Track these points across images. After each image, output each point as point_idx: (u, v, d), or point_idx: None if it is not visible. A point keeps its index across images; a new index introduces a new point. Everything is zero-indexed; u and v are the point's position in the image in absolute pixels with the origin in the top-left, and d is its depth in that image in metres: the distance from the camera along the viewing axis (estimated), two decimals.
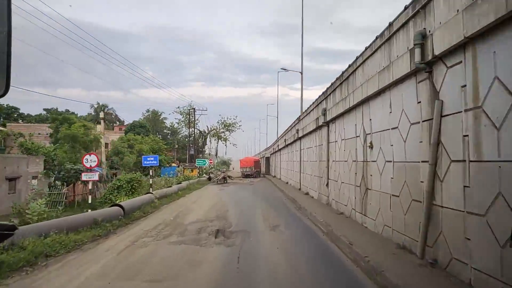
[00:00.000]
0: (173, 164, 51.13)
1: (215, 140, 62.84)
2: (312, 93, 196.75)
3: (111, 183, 20.36)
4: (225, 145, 63.43)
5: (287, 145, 33.69)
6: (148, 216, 14.38)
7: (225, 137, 62.87)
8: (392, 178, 8.36)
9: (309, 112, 20.08)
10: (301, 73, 29.75)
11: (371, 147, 9.87)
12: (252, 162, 56.49)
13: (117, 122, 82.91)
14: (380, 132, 9.23)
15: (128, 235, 10.68)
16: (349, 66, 11.97)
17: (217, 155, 64.86)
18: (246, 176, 55.29)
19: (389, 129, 8.64)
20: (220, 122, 62.25)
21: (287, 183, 33.42)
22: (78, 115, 70.14)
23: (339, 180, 13.68)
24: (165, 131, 77.55)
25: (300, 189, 24.44)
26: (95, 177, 13.27)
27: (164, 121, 73.51)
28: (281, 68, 36.62)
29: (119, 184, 19.01)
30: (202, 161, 44.18)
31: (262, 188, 32.09)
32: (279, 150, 42.36)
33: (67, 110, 74.74)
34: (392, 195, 8.33)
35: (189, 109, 53.81)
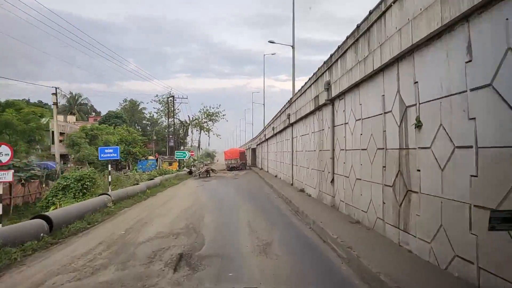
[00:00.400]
0: (151, 157, 47.00)
1: (197, 131, 58.77)
2: (297, 84, 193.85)
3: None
4: (208, 136, 59.51)
5: (275, 134, 30.07)
6: (91, 229, 10.51)
7: (208, 127, 58.85)
8: (474, 176, 4.76)
9: (305, 91, 16.41)
10: (293, 47, 26.05)
11: (419, 126, 6.25)
12: (237, 154, 52.79)
13: (93, 113, 77.96)
14: (440, 99, 5.61)
15: (39, 269, 6.85)
16: (370, 13, 8.30)
17: (200, 147, 60.87)
18: (231, 169, 51.72)
19: (461, 93, 5.04)
20: (202, 111, 58.18)
21: (276, 176, 29.87)
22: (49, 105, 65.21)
23: (351, 175, 10.08)
24: (144, 122, 73.08)
25: (292, 184, 20.89)
26: (8, 177, 9.37)
27: (143, 111, 68.89)
28: (269, 41, 31.39)
29: (65, 183, 14.95)
30: (181, 154, 40.19)
31: (248, 183, 28.43)
32: (266, 140, 38.74)
33: (40, 101, 69.47)
34: (474, 205, 4.75)
35: (168, 98, 49.56)
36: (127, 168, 36.87)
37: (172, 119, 49.25)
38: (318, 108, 13.87)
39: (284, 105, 23.46)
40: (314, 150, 15.14)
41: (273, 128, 30.17)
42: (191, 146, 60.42)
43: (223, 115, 58.82)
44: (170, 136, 48.88)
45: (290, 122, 20.91)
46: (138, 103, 72.52)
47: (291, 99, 21.29)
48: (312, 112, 15.22)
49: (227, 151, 54.39)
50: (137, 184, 19.52)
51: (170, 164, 45.77)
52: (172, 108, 49.21)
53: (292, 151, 21.15)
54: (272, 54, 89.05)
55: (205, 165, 44.65)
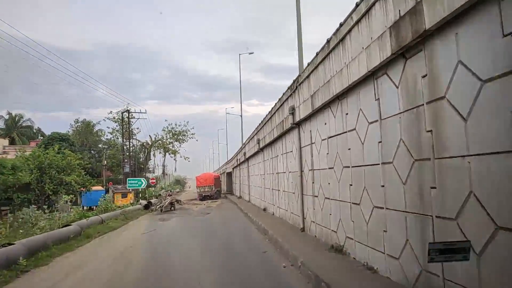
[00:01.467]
0: (99, 188, 37.01)
1: (160, 153, 49.19)
2: (267, 109, 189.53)
3: None
4: (175, 159, 49.99)
5: (262, 149, 21.35)
6: None
7: (173, 149, 49.41)
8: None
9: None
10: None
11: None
12: (211, 180, 43.37)
13: (42, 138, 66.68)
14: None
15: None
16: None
17: (165, 173, 51.17)
18: (203, 198, 42.27)
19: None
20: (166, 130, 48.82)
21: (264, 210, 20.93)
22: None
23: None
24: (101, 146, 62.63)
25: (303, 229, 11.97)
26: None
27: (100, 134, 58.60)
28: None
29: None
30: (135, 182, 30.65)
31: (225, 223, 19.32)
32: (247, 159, 29.96)
33: None
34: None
35: (122, 113, 40.12)
36: (59, 204, 26.87)
37: (128, 139, 39.69)
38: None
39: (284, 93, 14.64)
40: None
41: (258, 140, 21.46)
42: (153, 172, 50.66)
43: (192, 134, 49.72)
44: (125, 160, 39.16)
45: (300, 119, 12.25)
46: (93, 125, 62.24)
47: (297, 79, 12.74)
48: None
49: (199, 176, 45.06)
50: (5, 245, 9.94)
51: (124, 195, 35.85)
52: (128, 126, 39.72)
53: (301, 165, 12.31)
54: (250, 53, 79.47)
55: (169, 195, 34.97)
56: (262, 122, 20.73)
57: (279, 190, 16.70)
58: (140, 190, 35.69)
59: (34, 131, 64.40)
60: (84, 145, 58.63)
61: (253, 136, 24.80)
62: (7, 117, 60.11)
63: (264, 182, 21.40)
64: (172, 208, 30.07)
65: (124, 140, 40.07)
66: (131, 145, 48.46)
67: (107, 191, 37.94)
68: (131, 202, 31.79)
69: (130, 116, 39.97)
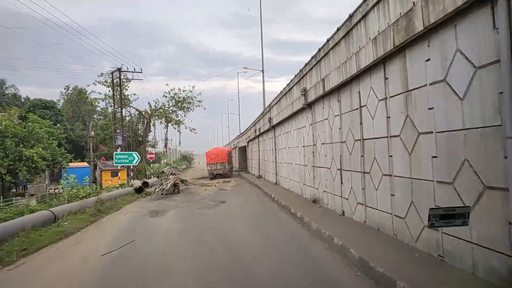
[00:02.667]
0: (82, 165, 29.85)
1: (161, 123, 41.46)
2: (276, 85, 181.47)
3: None
4: (179, 131, 42.32)
5: (312, 103, 13.50)
6: None
7: (177, 119, 41.68)
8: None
9: None
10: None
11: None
12: (224, 155, 36.40)
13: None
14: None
15: None
16: None
17: (167, 147, 43.90)
18: (214, 176, 35.28)
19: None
20: (168, 96, 40.94)
21: (314, 201, 13.38)
22: None
23: None
24: (95, 116, 55.20)
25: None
26: None
27: (95, 103, 50.97)
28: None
29: None
30: (124, 157, 23.15)
31: (258, 225, 11.67)
32: (273, 127, 22.24)
33: None
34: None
35: (112, 72, 32.28)
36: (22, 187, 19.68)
37: (120, 104, 31.96)
38: None
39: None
40: None
41: (305, 90, 13.58)
42: (154, 145, 43.18)
43: (199, 102, 41.78)
44: (117, 131, 31.65)
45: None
46: (86, 93, 54.52)
47: None
48: None
49: (209, 152, 37.89)
50: None
51: (115, 174, 28.54)
52: (119, 87, 31.95)
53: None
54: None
55: (172, 173, 27.61)
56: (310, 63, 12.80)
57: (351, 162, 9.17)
58: (133, 167, 28.35)
59: (23, 100, 56.73)
60: (76, 116, 51.04)
61: (289, 90, 16.94)
62: None
63: (311, 158, 13.74)
64: (176, 190, 22.98)
65: (116, 106, 32.41)
66: (127, 114, 40.96)
67: (95, 168, 30.71)
68: (120, 183, 24.47)
69: (123, 77, 32.17)
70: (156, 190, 22.15)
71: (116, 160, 22.63)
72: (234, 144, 59.64)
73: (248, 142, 39.48)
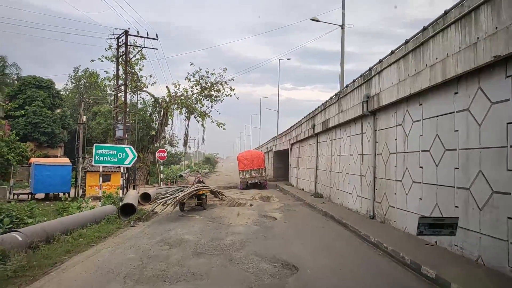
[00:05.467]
0: (62, 161, 21.07)
1: (180, 114, 32.15)
2: (302, 94, 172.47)
3: None
4: (203, 125, 32.97)
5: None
6: None
7: (202, 111, 32.38)
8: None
9: None
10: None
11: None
12: (261, 160, 28.48)
13: None
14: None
15: None
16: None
17: (187, 144, 34.78)
18: (248, 186, 26.79)
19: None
20: (193, 79, 31.71)
21: None
22: None
23: None
24: (107, 105, 46.79)
25: None
26: None
27: (102, 86, 42.68)
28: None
29: None
30: (109, 151, 13.80)
31: None
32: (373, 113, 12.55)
33: None
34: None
35: (117, 37, 23.43)
36: None
37: (125, 80, 23.02)
38: None
39: None
40: None
41: None
42: (169, 141, 33.96)
43: (232, 90, 32.25)
44: (119, 119, 22.81)
45: None
46: (100, 78, 45.93)
47: None
48: None
49: (242, 155, 29.49)
50: None
51: (106, 178, 19.40)
52: (126, 57, 23.06)
53: None
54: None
55: (199, 180, 18.61)
56: None
57: None
58: (131, 169, 19.17)
59: (14, 78, 48.37)
60: (83, 102, 42.17)
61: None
62: None
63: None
64: (201, 205, 16.15)
65: (118, 82, 23.53)
66: (139, 100, 32.13)
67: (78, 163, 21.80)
68: (105, 195, 15.23)
69: (130, 43, 23.28)
70: (161, 202, 13.30)
71: (96, 158, 13.56)
72: (267, 148, 50.05)
73: (292, 145, 29.75)
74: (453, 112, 7.51)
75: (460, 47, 6.93)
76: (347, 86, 14.90)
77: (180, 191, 14.84)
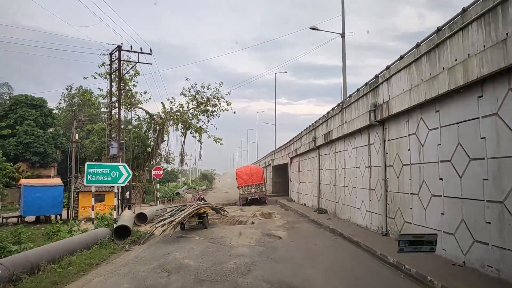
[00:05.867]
0: (53, 182, 20.21)
1: (176, 130, 31.37)
2: (297, 108, 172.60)
3: None
4: (199, 141, 32.21)
5: None
6: None
7: (198, 126, 31.66)
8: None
9: None
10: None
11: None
12: (260, 175, 27.86)
13: None
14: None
15: None
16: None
17: (184, 161, 33.95)
18: (248, 202, 26.49)
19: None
20: (188, 94, 31.10)
21: None
22: None
23: None
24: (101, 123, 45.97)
25: None
26: None
27: (96, 103, 41.91)
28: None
29: None
30: (102, 170, 12.97)
31: None
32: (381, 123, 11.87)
33: None
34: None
35: (110, 53, 22.85)
36: None
37: (118, 94, 22.31)
38: None
39: None
40: None
41: None
42: (165, 159, 33.01)
43: (228, 105, 31.59)
44: (113, 136, 22.08)
45: None
46: (93, 96, 45.13)
47: None
48: None
49: (241, 170, 28.87)
50: None
51: (99, 198, 18.53)
52: (119, 72, 22.42)
53: None
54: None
55: (200, 197, 18.01)
56: None
57: None
58: (125, 188, 18.29)
59: (6, 98, 47.63)
60: (76, 120, 41.32)
61: None
62: None
63: None
64: (201, 224, 15.46)
65: (111, 98, 22.85)
66: (134, 117, 31.42)
67: (71, 183, 20.91)
68: (97, 217, 14.38)
69: (123, 59, 22.66)
70: (160, 225, 12.50)
71: (88, 177, 12.70)
72: (265, 163, 49.27)
73: (292, 158, 29.02)
74: (478, 118, 6.83)
75: (484, 46, 6.30)
76: (350, 96, 14.29)
77: (180, 211, 14.06)
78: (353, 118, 13.66)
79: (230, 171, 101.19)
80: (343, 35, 16.61)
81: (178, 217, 13.46)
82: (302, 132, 24.49)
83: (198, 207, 14.79)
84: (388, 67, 10.53)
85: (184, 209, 14.32)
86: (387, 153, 11.14)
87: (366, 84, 12.42)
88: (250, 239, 12.82)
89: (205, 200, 17.38)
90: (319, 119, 19.53)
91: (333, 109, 16.89)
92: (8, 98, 41.01)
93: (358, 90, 13.28)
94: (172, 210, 14.86)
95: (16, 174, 21.17)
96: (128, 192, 19.02)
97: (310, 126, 21.83)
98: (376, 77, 11.58)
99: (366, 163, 12.86)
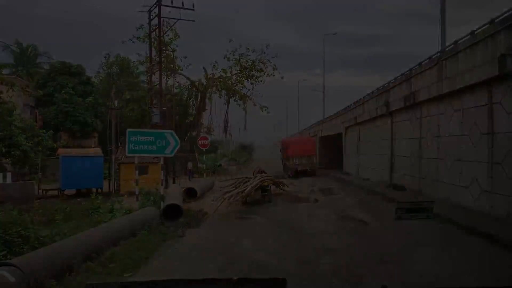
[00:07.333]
0: (92, 152, 18.50)
1: (221, 97, 29.00)
2: (333, 79, 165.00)
3: None
4: (244, 109, 29.71)
5: None
6: None
7: (243, 93, 29.07)
8: None
9: None
10: None
11: None
12: (312, 146, 25.36)
13: None
14: None
15: None
16: None
17: (229, 131, 31.69)
18: (297, 174, 24.35)
19: None
20: (231, 58, 28.33)
21: None
22: None
23: None
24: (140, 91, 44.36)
25: None
26: None
27: (136, 71, 40.28)
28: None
29: None
30: (146, 138, 10.89)
31: None
32: None
33: None
34: None
35: (149, 10, 20.41)
36: None
37: (159, 57, 20.05)
38: None
39: None
40: None
41: None
42: (210, 131, 30.70)
43: (274, 69, 28.63)
44: (154, 103, 20.02)
45: None
46: (134, 64, 43.07)
47: None
48: None
49: (291, 140, 27.02)
50: None
51: (142, 171, 16.51)
52: (159, 31, 20.05)
53: None
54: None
55: (259, 170, 15.79)
56: None
57: None
58: (173, 159, 16.23)
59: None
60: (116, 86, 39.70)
61: None
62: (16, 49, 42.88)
63: None
64: (267, 197, 13.88)
65: (151, 59, 20.62)
66: (175, 84, 29.20)
67: (109, 155, 19.15)
68: (142, 192, 12.40)
69: (166, 13, 20.13)
70: (218, 199, 10.50)
71: (130, 146, 10.59)
72: (309, 134, 46.25)
73: (347, 128, 25.93)
74: None
75: None
76: (456, 43, 11.00)
77: (244, 183, 12.34)
78: (462, 70, 10.46)
79: (267, 143, 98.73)
80: None
81: (245, 188, 11.62)
82: (364, 96, 21.29)
83: (262, 178, 13.04)
84: None
85: (247, 182, 12.44)
86: None
87: (491, 21, 9.14)
88: (326, 223, 10.36)
89: (266, 173, 15.24)
90: (395, 78, 16.31)
91: (420, 64, 13.62)
92: (48, 67, 40.12)
93: (472, 33, 10.01)
94: (235, 182, 13.52)
95: (55, 144, 19.74)
96: (174, 164, 16.97)
97: (378, 88, 18.62)
98: (511, 9, 8.32)
99: (483, 128, 9.77)
